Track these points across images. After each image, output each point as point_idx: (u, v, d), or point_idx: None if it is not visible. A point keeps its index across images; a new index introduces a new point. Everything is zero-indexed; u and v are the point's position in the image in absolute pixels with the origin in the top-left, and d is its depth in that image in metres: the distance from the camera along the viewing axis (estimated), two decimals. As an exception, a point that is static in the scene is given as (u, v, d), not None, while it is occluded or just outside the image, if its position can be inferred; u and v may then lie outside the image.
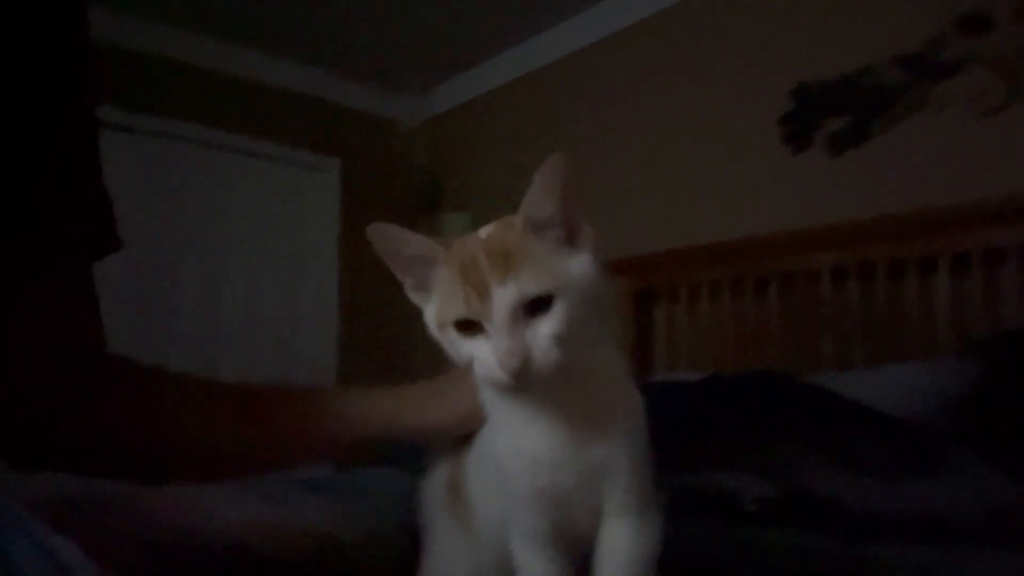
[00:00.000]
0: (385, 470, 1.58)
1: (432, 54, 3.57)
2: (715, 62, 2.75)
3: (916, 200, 2.12)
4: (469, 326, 0.45)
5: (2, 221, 0.50)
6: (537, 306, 0.44)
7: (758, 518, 0.88)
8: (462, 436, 0.61)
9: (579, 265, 0.47)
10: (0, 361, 0.53)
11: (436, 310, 0.48)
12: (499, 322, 0.44)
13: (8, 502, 0.91)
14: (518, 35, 3.39)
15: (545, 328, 0.44)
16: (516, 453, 0.48)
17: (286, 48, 3.48)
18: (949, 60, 2.15)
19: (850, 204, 2.27)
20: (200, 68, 3.36)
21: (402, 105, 3.94)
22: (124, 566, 0.70)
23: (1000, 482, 1.05)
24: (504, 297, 0.44)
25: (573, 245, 0.48)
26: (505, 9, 3.16)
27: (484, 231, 0.50)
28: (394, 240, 0.49)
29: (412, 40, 3.42)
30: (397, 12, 3.17)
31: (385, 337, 3.70)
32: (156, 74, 3.18)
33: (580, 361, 0.45)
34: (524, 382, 0.43)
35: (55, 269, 0.54)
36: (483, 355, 0.44)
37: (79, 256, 0.56)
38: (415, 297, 0.51)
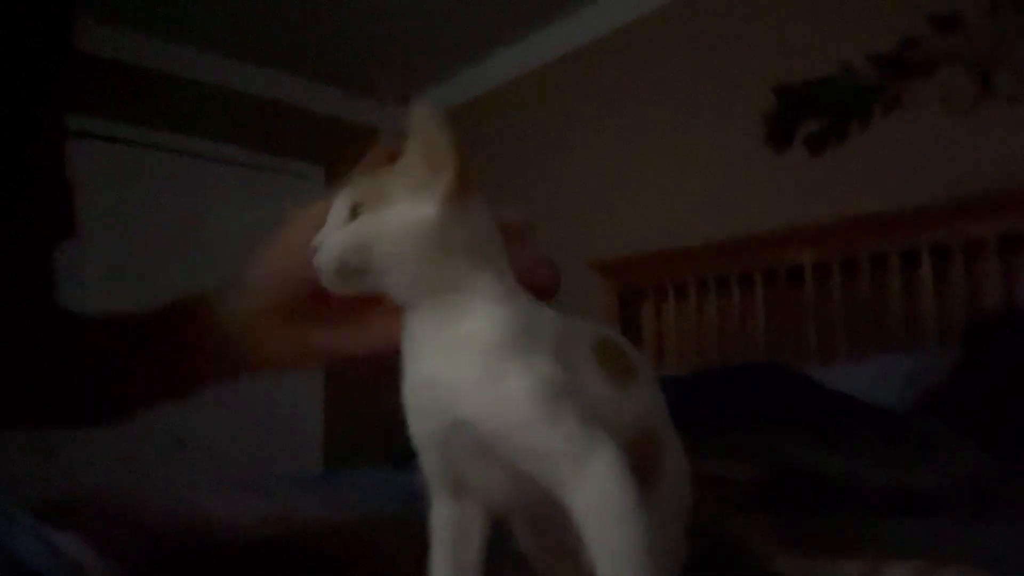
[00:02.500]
0: (377, 469, 1.59)
1: (413, 62, 3.58)
2: (699, 64, 2.78)
3: (894, 196, 2.16)
4: None
5: None
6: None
7: (753, 499, 0.90)
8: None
9: (408, 208, 0.47)
10: None
11: None
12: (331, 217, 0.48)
13: (6, 502, 0.91)
14: (500, 42, 3.41)
15: (336, 237, 0.47)
16: (403, 386, 0.47)
17: (268, 57, 3.48)
18: (923, 59, 2.20)
19: (831, 201, 2.31)
20: (181, 78, 3.35)
21: (384, 113, 3.95)
22: (128, 558, 0.71)
23: (983, 460, 1.07)
24: (338, 202, 0.48)
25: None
26: (487, 16, 3.18)
27: None
28: None
29: (393, 48, 3.43)
30: (378, 20, 3.18)
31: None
32: (137, 84, 3.17)
33: (427, 292, 0.46)
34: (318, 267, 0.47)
35: (16, 252, 0.56)
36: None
37: (39, 240, 0.59)
38: None
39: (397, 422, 0.52)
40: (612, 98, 3.08)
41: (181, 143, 3.35)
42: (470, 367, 0.43)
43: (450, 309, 0.45)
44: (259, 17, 3.13)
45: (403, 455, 0.53)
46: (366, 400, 2.61)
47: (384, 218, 0.45)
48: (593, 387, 0.47)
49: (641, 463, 0.45)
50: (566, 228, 2.95)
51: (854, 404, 1.26)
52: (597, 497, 0.42)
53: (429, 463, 0.48)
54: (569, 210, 3.05)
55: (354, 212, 0.46)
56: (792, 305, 2.34)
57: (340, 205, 0.47)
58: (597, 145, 3.12)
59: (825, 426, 1.10)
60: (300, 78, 3.66)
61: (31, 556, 0.74)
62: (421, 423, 0.46)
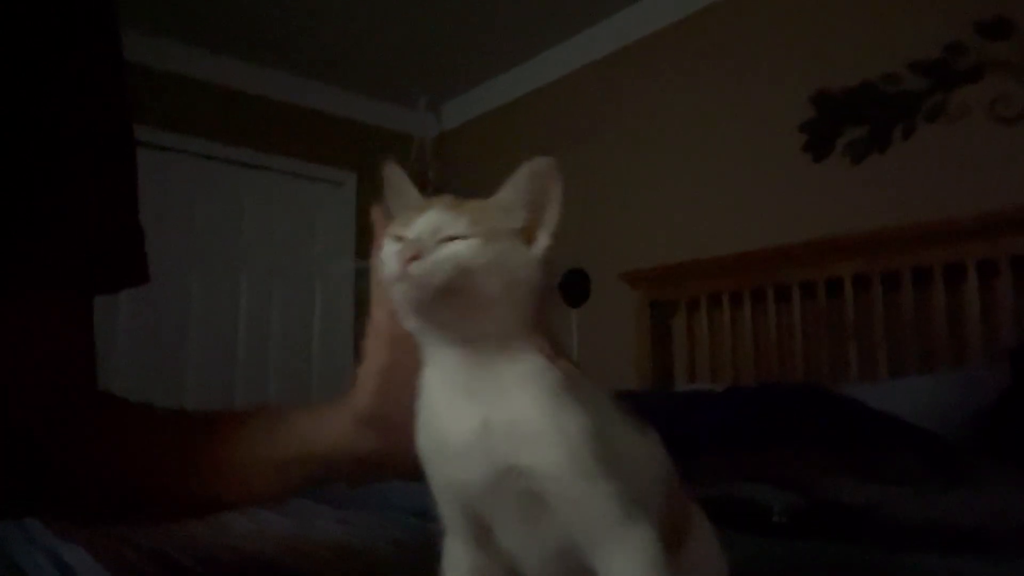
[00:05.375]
0: (402, 484, 1.56)
1: (444, 69, 3.58)
2: (734, 70, 2.73)
3: (939, 207, 2.08)
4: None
5: (15, 240, 0.48)
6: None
7: (787, 529, 0.86)
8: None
9: (519, 247, 0.47)
10: None
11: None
12: (416, 230, 0.44)
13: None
14: (531, 49, 3.39)
15: (451, 248, 0.44)
16: (427, 431, 0.46)
17: (302, 65, 3.50)
18: (970, 66, 2.12)
19: (872, 212, 2.24)
20: (215, 85, 3.39)
21: (415, 120, 3.96)
22: (133, 573, 0.69)
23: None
24: (431, 217, 0.45)
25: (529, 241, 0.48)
26: (517, 23, 3.16)
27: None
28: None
29: (424, 56, 3.43)
30: (410, 29, 3.18)
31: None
32: (171, 91, 3.20)
33: (490, 334, 0.44)
34: (406, 281, 0.43)
35: (58, 295, 0.52)
36: (389, 251, 0.44)
37: (92, 283, 0.54)
38: None
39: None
40: (646, 105, 3.04)
41: (212, 149, 3.38)
42: (530, 411, 0.42)
43: (500, 352, 0.44)
44: (292, 27, 3.14)
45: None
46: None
47: (503, 248, 0.45)
48: (624, 434, 0.46)
49: (672, 526, 0.45)
50: (597, 238, 2.91)
51: (898, 429, 1.20)
52: (633, 571, 0.42)
53: (452, 513, 0.46)
54: (601, 220, 3.01)
55: (450, 239, 0.44)
56: (831, 319, 2.27)
57: (437, 221, 0.45)
58: (629, 153, 3.07)
59: (866, 453, 1.05)
60: (333, 86, 3.68)
61: (36, 571, 0.73)
62: (463, 471, 0.43)
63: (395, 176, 0.50)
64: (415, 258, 0.42)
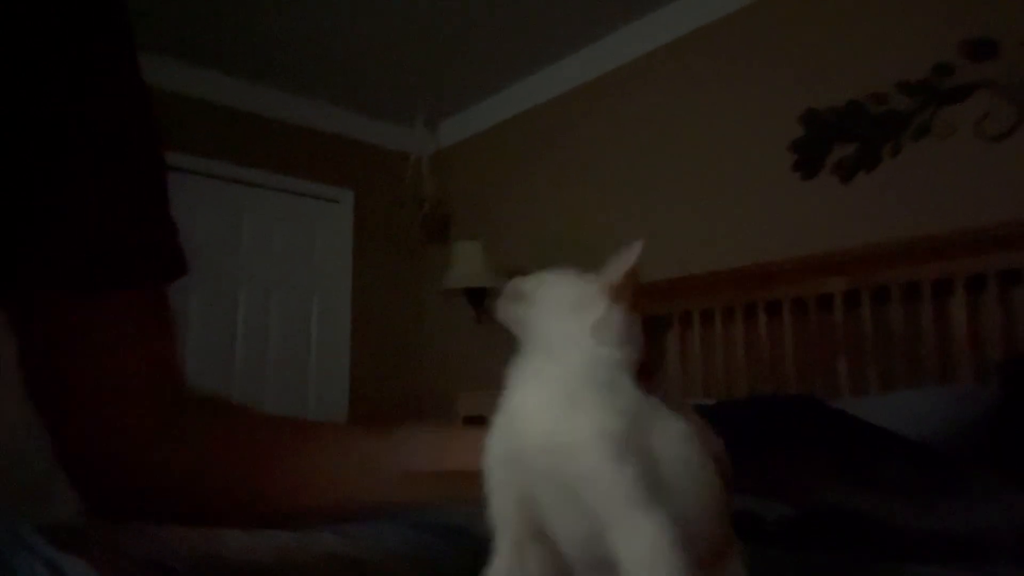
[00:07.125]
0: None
1: (441, 88, 3.61)
2: (724, 90, 2.77)
3: (927, 224, 2.12)
4: None
5: (79, 237, 0.49)
6: None
7: (781, 539, 0.86)
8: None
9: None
10: (82, 392, 0.50)
11: None
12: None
13: (15, 522, 0.90)
14: (527, 68, 3.43)
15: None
16: (493, 437, 0.47)
17: (299, 84, 3.52)
18: (957, 86, 2.16)
19: (862, 229, 2.27)
20: (213, 104, 3.41)
21: (412, 138, 3.98)
22: (136, 586, 0.69)
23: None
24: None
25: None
26: (513, 43, 3.20)
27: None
28: None
29: (422, 74, 3.46)
30: (407, 47, 3.21)
31: (397, 370, 3.70)
32: (169, 110, 3.21)
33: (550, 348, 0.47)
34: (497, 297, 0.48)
35: (133, 290, 0.53)
36: None
37: (154, 277, 0.55)
38: None
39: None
40: (639, 124, 3.07)
41: (212, 168, 3.40)
42: (549, 395, 0.44)
43: (556, 356, 0.46)
44: (290, 46, 3.17)
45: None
46: (393, 424, 2.60)
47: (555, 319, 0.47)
48: (672, 444, 0.48)
49: (720, 545, 0.45)
50: (590, 254, 2.92)
51: (892, 440, 1.21)
52: (648, 551, 0.41)
53: (503, 508, 0.47)
54: (593, 236, 3.03)
55: None
56: (822, 334, 2.29)
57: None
58: (624, 170, 3.10)
59: (860, 463, 1.06)
60: (330, 104, 3.71)
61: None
62: (497, 447, 0.45)
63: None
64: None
